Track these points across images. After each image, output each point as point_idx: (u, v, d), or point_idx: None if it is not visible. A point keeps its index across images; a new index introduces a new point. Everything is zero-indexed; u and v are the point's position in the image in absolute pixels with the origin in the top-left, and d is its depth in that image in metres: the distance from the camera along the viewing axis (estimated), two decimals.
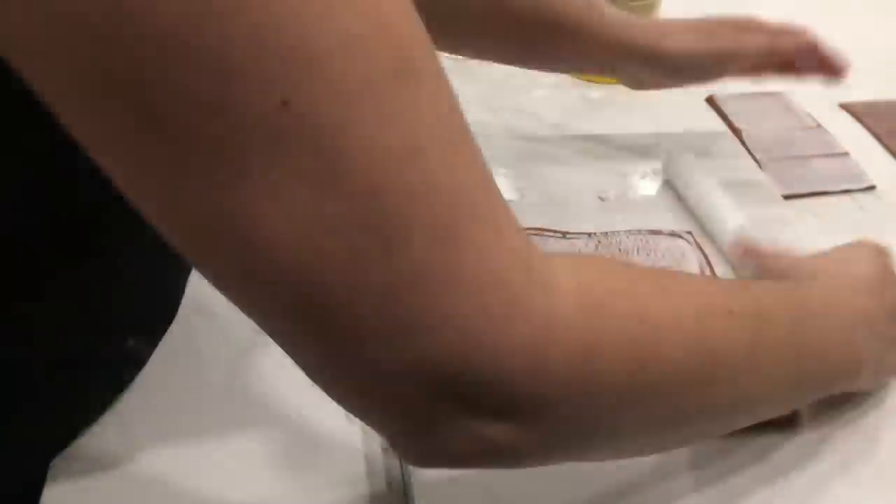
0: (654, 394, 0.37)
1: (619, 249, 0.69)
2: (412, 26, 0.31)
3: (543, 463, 0.38)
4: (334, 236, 0.30)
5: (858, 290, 0.51)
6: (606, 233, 0.71)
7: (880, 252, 0.56)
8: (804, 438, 0.55)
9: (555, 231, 0.70)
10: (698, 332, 0.39)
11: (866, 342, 0.49)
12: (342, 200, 0.29)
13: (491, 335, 0.32)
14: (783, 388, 0.45)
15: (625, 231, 0.71)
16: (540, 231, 0.70)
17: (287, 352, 0.34)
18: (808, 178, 0.81)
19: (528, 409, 0.34)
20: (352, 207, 0.30)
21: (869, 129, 0.89)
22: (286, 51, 0.28)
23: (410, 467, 0.51)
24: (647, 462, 0.53)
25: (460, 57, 0.97)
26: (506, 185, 0.76)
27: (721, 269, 0.67)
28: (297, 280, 0.30)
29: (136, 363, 0.55)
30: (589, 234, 0.70)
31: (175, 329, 0.62)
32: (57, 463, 0.52)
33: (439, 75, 0.32)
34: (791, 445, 0.54)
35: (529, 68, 0.76)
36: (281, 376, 0.54)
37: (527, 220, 0.71)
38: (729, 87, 0.94)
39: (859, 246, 0.57)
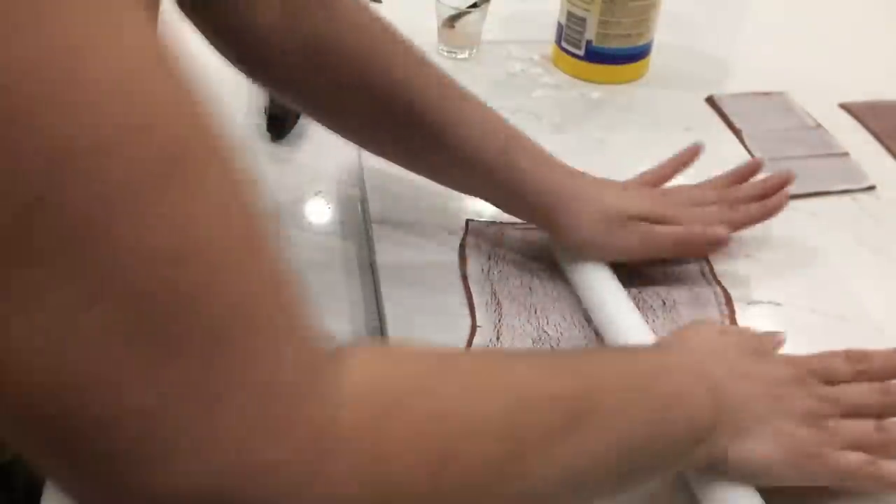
0: (459, 489, 0.36)
1: None
2: (190, 116, 0.29)
3: None
4: (92, 350, 0.27)
5: (710, 351, 0.52)
6: None
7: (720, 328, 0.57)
8: None
9: None
10: (507, 425, 0.38)
11: (717, 389, 0.49)
12: (101, 310, 0.27)
13: (260, 455, 0.30)
14: (615, 456, 0.43)
15: None
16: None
17: (47, 476, 0.31)
18: (808, 178, 0.81)
19: None
20: (111, 317, 0.27)
21: (869, 129, 0.89)
22: (40, 144, 0.25)
23: None
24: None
25: (463, 56, 0.97)
26: None
27: (721, 267, 0.68)
28: (49, 402, 0.27)
29: None
30: None
31: None
32: None
33: (224, 169, 0.30)
34: None
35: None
36: None
37: None
38: (729, 87, 0.95)
39: (700, 325, 0.57)
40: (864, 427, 0.52)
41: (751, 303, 0.65)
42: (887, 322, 0.64)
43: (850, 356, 0.55)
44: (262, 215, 0.32)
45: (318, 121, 0.67)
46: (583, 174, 0.67)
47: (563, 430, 0.40)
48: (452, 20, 0.95)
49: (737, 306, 0.64)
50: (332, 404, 0.32)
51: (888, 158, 0.86)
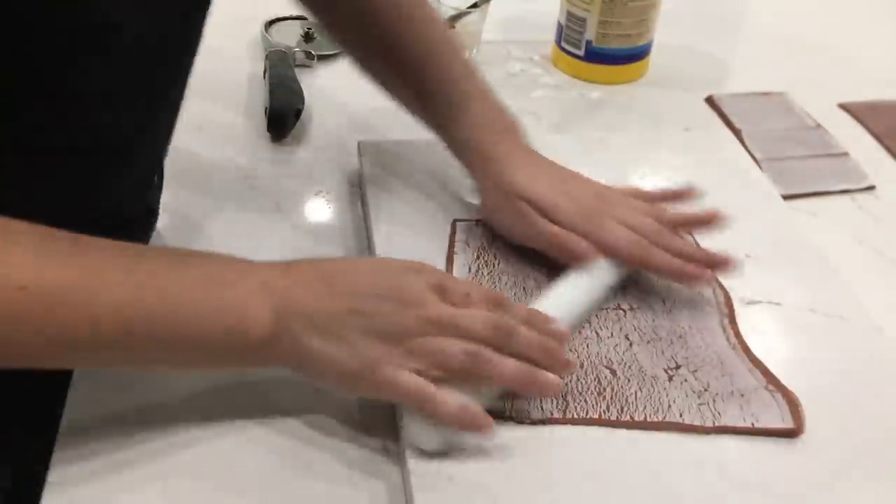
0: None
1: None
2: None
3: None
4: None
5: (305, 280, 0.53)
6: None
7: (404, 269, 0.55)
8: (803, 444, 0.55)
9: None
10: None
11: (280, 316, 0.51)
12: None
13: None
14: (93, 342, 0.48)
15: None
16: None
17: None
18: (807, 178, 0.81)
19: None
20: None
21: (869, 129, 0.90)
22: None
23: (410, 468, 0.51)
24: (645, 469, 0.53)
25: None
26: None
27: None
28: None
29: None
30: None
31: None
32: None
33: None
34: (789, 452, 0.54)
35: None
36: (281, 377, 0.54)
37: None
38: (729, 87, 0.95)
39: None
40: (450, 347, 0.51)
41: (750, 303, 0.65)
42: (887, 322, 0.64)
43: (490, 297, 0.55)
44: None
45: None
46: (522, 148, 0.70)
47: (22, 317, 0.45)
48: (452, 20, 0.95)
49: (736, 306, 0.64)
50: None
51: (888, 158, 0.86)
